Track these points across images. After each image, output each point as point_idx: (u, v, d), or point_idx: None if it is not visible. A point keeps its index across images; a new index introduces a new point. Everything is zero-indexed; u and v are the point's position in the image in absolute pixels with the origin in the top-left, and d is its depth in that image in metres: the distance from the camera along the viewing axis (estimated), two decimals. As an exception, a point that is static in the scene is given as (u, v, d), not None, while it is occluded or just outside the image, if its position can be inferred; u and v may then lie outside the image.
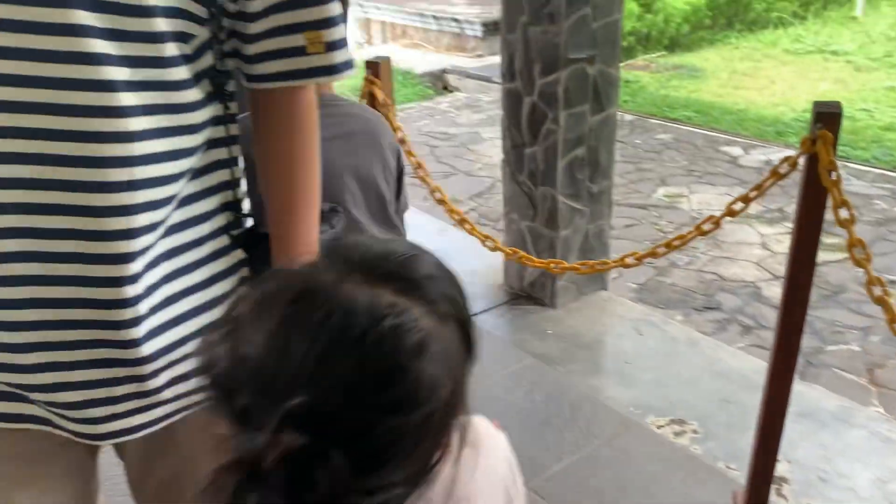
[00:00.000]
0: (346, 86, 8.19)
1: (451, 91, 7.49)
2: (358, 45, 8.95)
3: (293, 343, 0.50)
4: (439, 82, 7.79)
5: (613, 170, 2.96)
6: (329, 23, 0.81)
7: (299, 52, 0.81)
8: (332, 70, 0.83)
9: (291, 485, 0.47)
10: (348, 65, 0.85)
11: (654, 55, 7.90)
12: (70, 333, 0.78)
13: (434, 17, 8.62)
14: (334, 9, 0.82)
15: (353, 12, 10.43)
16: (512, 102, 2.87)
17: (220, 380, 0.53)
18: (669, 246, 1.93)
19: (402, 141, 2.06)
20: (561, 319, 2.91)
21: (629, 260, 2.02)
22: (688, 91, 6.61)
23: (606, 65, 2.73)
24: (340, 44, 0.83)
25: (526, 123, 2.82)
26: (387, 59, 2.06)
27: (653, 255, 1.95)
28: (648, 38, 8.04)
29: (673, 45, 8.13)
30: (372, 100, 2.02)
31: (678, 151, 5.16)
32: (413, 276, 0.56)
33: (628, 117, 5.87)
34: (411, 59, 8.33)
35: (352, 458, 0.48)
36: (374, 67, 2.03)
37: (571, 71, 2.64)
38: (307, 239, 0.89)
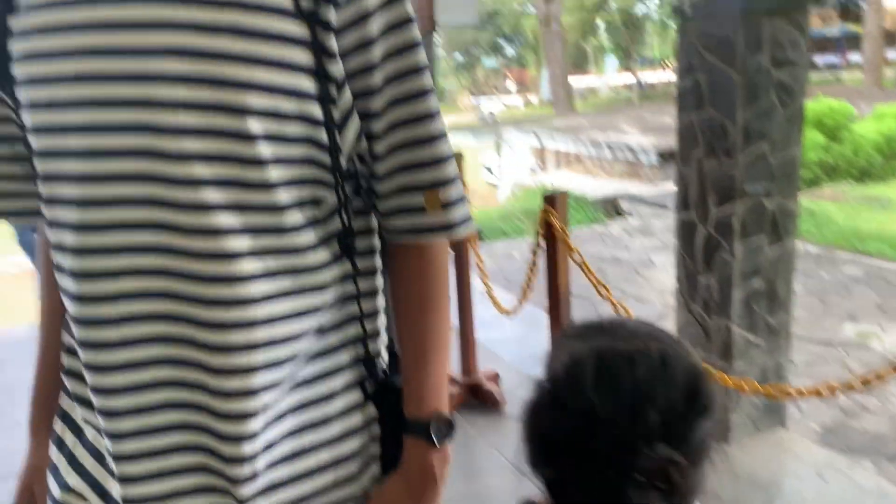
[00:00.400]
0: (520, 208, 8.52)
1: (623, 216, 7.57)
2: (532, 172, 9.34)
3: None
4: (612, 207, 7.91)
5: (793, 303, 2.87)
6: (446, 183, 0.82)
7: (419, 211, 0.82)
8: (450, 227, 0.84)
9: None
10: (467, 222, 0.86)
11: (842, 185, 7.57)
12: (184, 480, 0.79)
13: (608, 146, 8.85)
14: (451, 170, 0.83)
15: (528, 141, 10.97)
16: (686, 232, 2.91)
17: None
18: (866, 383, 1.85)
19: (582, 264, 2.18)
20: (735, 456, 2.78)
21: (822, 389, 1.94)
22: (880, 223, 6.24)
23: (784, 197, 2.72)
24: (458, 202, 0.84)
25: (700, 253, 2.85)
26: (563, 193, 2.24)
27: (849, 387, 1.87)
28: (835, 168, 7.74)
29: (863, 176, 7.76)
30: (548, 228, 2.19)
31: (869, 286, 4.85)
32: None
33: (813, 249, 5.63)
34: (584, 184, 8.55)
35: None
36: (552, 200, 2.21)
37: (747, 203, 2.67)
38: (437, 387, 0.86)
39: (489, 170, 14.35)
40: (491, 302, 3.14)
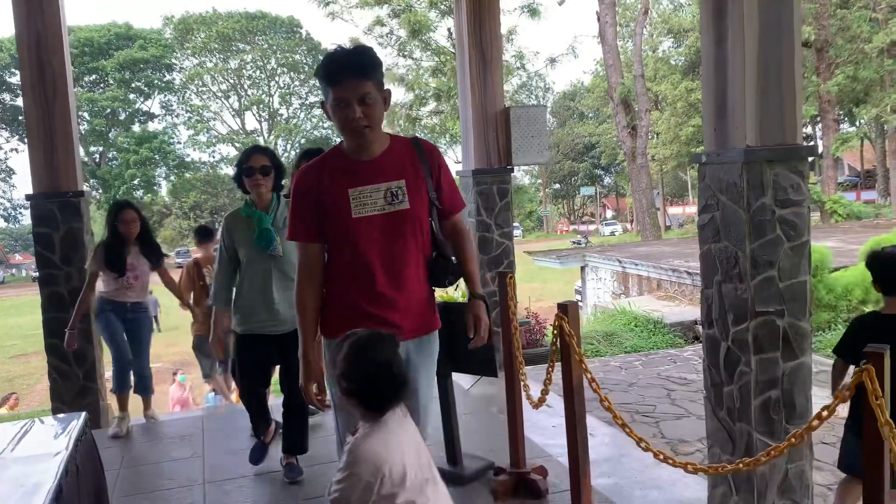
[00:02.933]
0: (599, 330, 8.85)
1: (700, 341, 7.80)
2: (614, 296, 9.72)
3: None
4: (690, 332, 8.14)
5: (811, 413, 3.17)
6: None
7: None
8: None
9: None
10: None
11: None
12: None
13: (688, 273, 9.17)
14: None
15: (611, 266, 11.46)
16: (712, 346, 3.31)
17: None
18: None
19: (580, 364, 2.63)
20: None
21: None
22: None
23: (796, 318, 3.10)
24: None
25: (723, 365, 3.22)
26: (574, 303, 2.76)
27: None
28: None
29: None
30: (561, 332, 2.69)
31: None
32: None
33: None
34: (664, 309, 8.84)
35: None
36: (564, 308, 2.72)
37: (760, 322, 3.06)
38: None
39: (577, 293, 14.78)
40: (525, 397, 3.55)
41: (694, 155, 3.45)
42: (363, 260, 2.31)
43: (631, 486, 3.57)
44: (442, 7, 14.61)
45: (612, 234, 44.20)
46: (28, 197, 4.91)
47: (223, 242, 3.76)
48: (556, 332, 2.72)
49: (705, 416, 3.41)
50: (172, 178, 41.39)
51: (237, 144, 41.26)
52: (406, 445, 1.75)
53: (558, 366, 2.92)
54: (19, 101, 35.56)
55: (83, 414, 2.25)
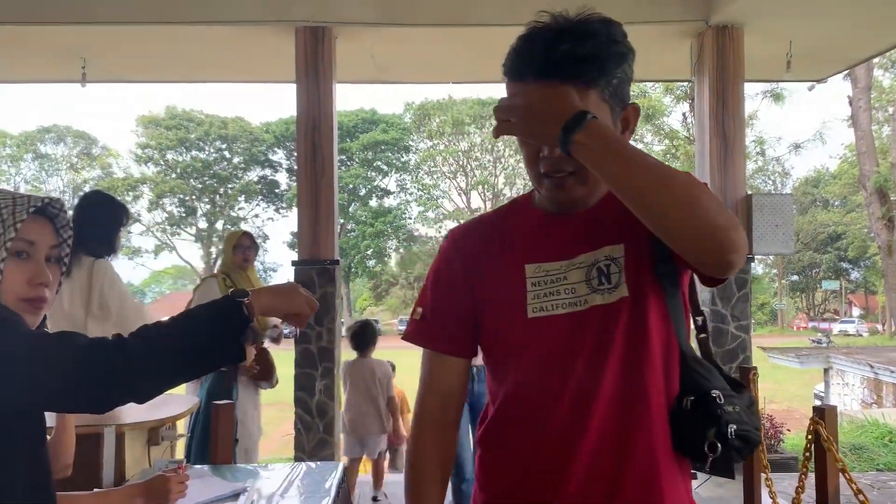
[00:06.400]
0: (845, 442, 7.92)
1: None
2: (864, 405, 8.66)
3: None
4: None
5: None
6: None
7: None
8: None
9: None
10: None
11: None
12: None
13: (960, 387, 7.96)
14: None
15: (861, 371, 10.23)
16: None
17: None
18: None
19: (843, 470, 2.38)
20: None
21: None
22: None
23: None
24: None
25: None
26: (833, 408, 2.54)
27: None
28: None
29: None
30: (816, 437, 2.47)
31: None
32: None
33: None
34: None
35: None
36: (821, 412, 2.51)
37: None
38: None
39: (818, 398, 13.34)
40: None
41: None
42: (538, 394, 1.24)
43: None
44: (677, 93, 14.47)
45: (857, 334, 39.65)
46: (294, 263, 5.54)
47: None
48: (809, 437, 2.50)
49: None
50: (402, 250, 44.24)
51: (461, 221, 43.22)
52: None
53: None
54: (277, 177, 40.48)
55: (340, 464, 2.46)
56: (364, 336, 5.17)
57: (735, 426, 1.17)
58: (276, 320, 4.23)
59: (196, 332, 1.17)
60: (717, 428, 1.16)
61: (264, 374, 4.31)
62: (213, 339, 1.17)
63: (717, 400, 1.18)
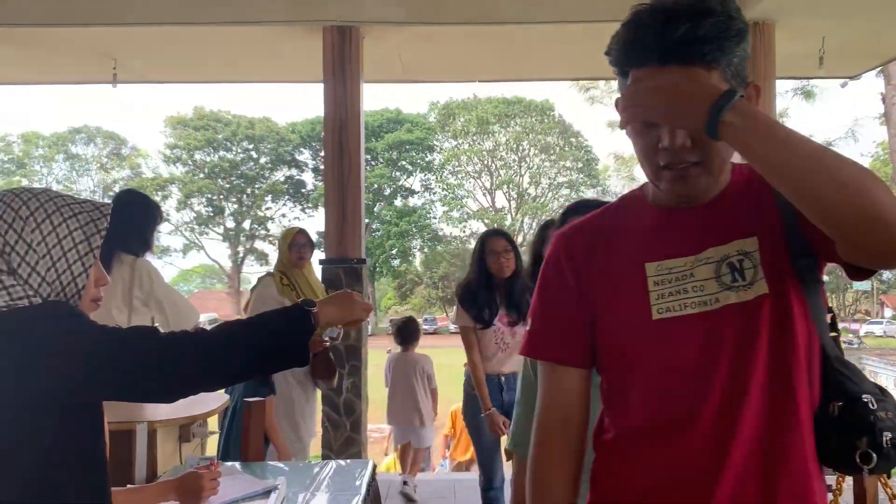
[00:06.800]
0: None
1: None
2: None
3: None
4: None
5: None
6: None
7: None
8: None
9: None
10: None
11: None
12: None
13: None
14: None
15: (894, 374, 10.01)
16: None
17: None
18: None
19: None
20: None
21: None
22: None
23: None
24: None
25: None
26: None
27: None
28: None
29: None
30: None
31: None
32: None
33: None
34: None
35: None
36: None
37: None
38: None
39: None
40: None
41: None
42: (674, 402, 1.13)
43: None
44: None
45: (886, 335, 38.91)
46: (321, 262, 5.56)
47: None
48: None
49: None
50: (426, 249, 44.30)
51: (486, 220, 43.20)
52: None
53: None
54: (303, 176, 40.75)
55: (370, 462, 2.47)
56: (408, 331, 5.38)
57: (890, 434, 1.05)
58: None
59: (267, 334, 1.27)
60: (871, 436, 1.04)
61: (325, 373, 4.27)
62: (283, 342, 1.28)
63: (870, 405, 1.06)
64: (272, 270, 4.38)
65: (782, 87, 20.50)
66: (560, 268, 1.24)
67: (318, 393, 4.57)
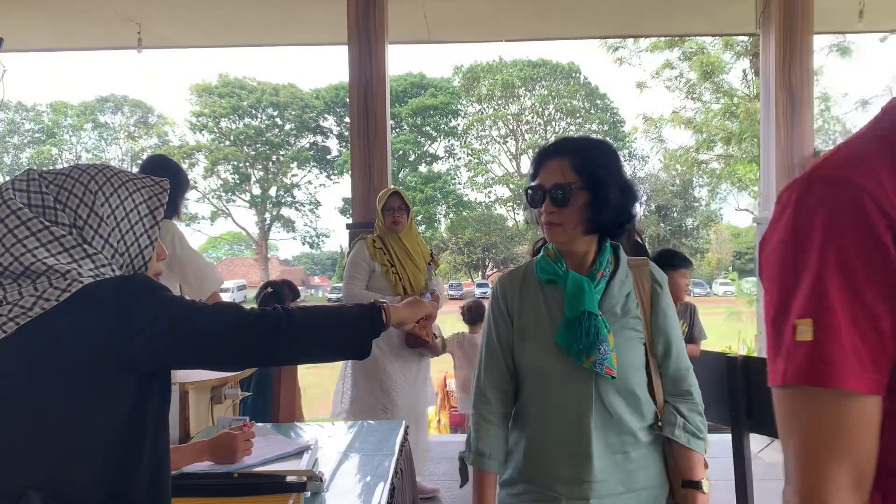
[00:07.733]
0: None
1: None
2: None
3: None
4: None
5: None
6: None
7: None
8: None
9: None
10: None
11: None
12: None
13: None
14: None
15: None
16: None
17: None
18: None
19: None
20: None
21: None
22: None
23: None
24: None
25: None
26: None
27: None
28: None
29: None
30: None
31: None
32: None
33: None
34: None
35: None
36: None
37: None
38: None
39: None
40: None
41: None
42: None
43: None
44: (737, 48, 13.96)
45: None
46: (348, 226, 5.55)
47: (492, 329, 1.69)
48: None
49: None
50: (451, 215, 44.26)
51: (511, 185, 42.99)
52: None
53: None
54: (328, 143, 40.75)
55: (403, 422, 2.46)
56: (476, 312, 6.07)
57: None
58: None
59: (342, 322, 1.36)
60: None
61: (415, 343, 3.96)
62: (354, 332, 1.37)
63: None
64: (371, 234, 4.13)
65: (817, 44, 19.96)
66: (876, 237, 0.72)
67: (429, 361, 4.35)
